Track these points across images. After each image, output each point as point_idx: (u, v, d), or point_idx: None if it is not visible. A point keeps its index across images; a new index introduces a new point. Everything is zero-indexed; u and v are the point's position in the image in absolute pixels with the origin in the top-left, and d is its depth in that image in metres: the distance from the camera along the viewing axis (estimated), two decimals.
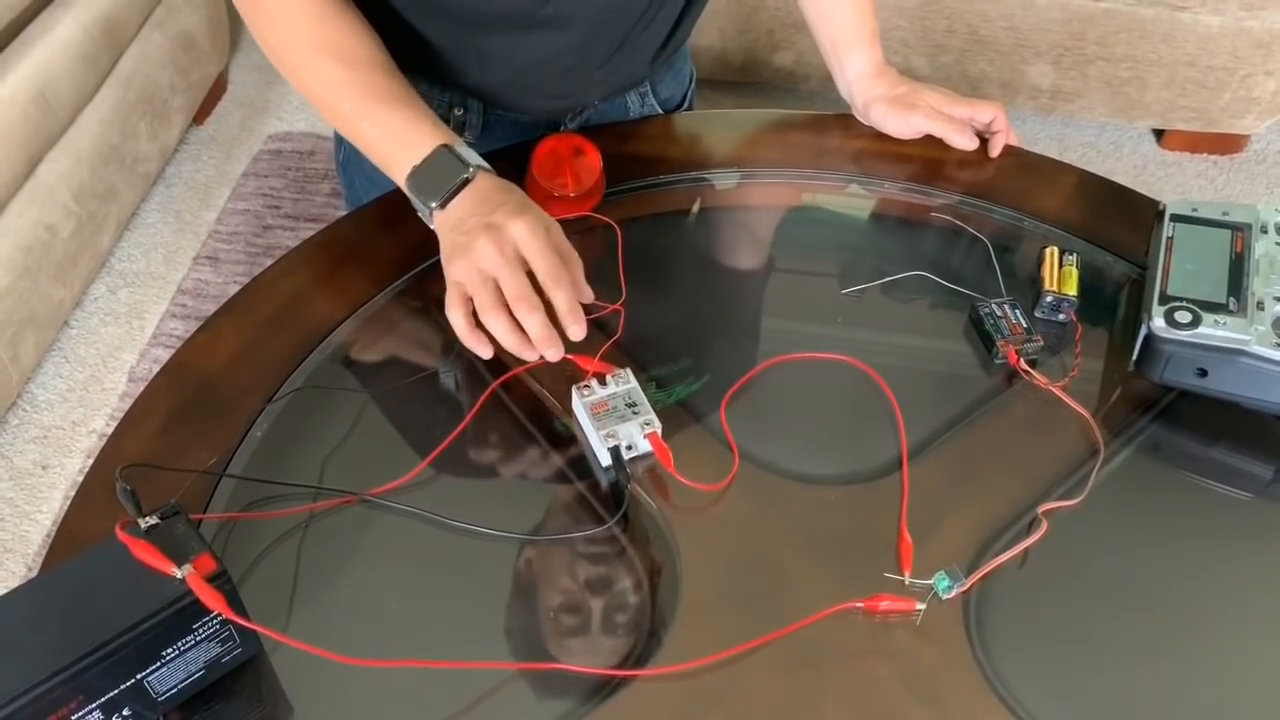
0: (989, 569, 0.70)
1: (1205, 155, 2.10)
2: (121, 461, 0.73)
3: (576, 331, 0.77)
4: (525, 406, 0.80)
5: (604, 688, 0.66)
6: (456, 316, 0.78)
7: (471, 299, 0.78)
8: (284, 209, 1.99)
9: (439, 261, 0.82)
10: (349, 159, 1.10)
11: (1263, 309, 0.76)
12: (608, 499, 0.74)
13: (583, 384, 0.77)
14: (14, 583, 1.49)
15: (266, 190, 2.03)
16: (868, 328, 0.86)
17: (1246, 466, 0.78)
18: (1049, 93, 2.01)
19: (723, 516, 0.74)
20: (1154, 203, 0.93)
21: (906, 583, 0.70)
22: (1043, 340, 0.83)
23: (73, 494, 0.75)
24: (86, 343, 1.78)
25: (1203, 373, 0.76)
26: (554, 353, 0.77)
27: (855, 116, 1.04)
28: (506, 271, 0.76)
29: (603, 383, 0.77)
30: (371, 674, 0.64)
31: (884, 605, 0.68)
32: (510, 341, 0.77)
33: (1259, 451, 0.78)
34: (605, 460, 0.75)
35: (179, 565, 0.59)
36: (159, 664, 0.60)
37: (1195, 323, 0.76)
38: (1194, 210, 0.85)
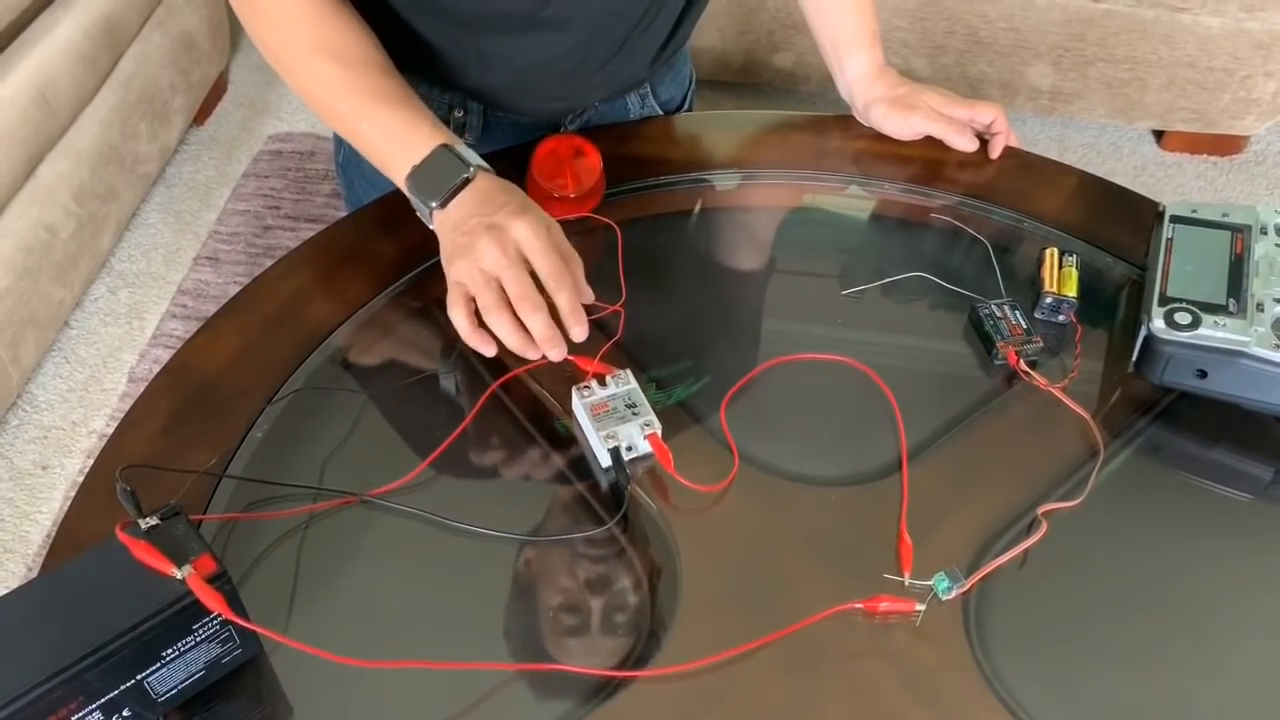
0: (989, 570, 0.70)
1: (1205, 156, 2.10)
2: (121, 462, 0.73)
3: (579, 332, 0.77)
4: (525, 407, 0.80)
5: (603, 688, 0.66)
6: (459, 316, 0.78)
7: (474, 299, 0.78)
8: (284, 210, 1.99)
9: (439, 262, 0.82)
10: (348, 160, 1.10)
11: (1262, 310, 0.76)
12: (607, 500, 0.74)
13: (583, 385, 0.77)
14: (14, 583, 1.49)
15: (267, 191, 2.03)
16: (868, 329, 0.86)
17: (1246, 468, 0.78)
18: (1049, 94, 2.01)
19: (722, 517, 0.74)
20: (1154, 204, 0.93)
21: (906, 584, 0.70)
22: (1042, 341, 0.83)
23: (73, 494, 0.75)
24: (87, 343, 1.79)
25: (1202, 374, 0.76)
26: (557, 353, 0.77)
27: (855, 118, 1.05)
28: (510, 272, 0.76)
29: (603, 384, 0.77)
30: (371, 675, 0.64)
31: (884, 606, 0.68)
32: (514, 341, 0.77)
33: (1259, 453, 0.78)
34: (605, 461, 0.75)
35: (179, 566, 0.59)
36: (159, 665, 0.60)
37: (1195, 324, 0.76)
38: (1194, 211, 0.85)
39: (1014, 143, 1.01)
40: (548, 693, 0.66)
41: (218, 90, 2.19)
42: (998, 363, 0.83)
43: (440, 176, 0.81)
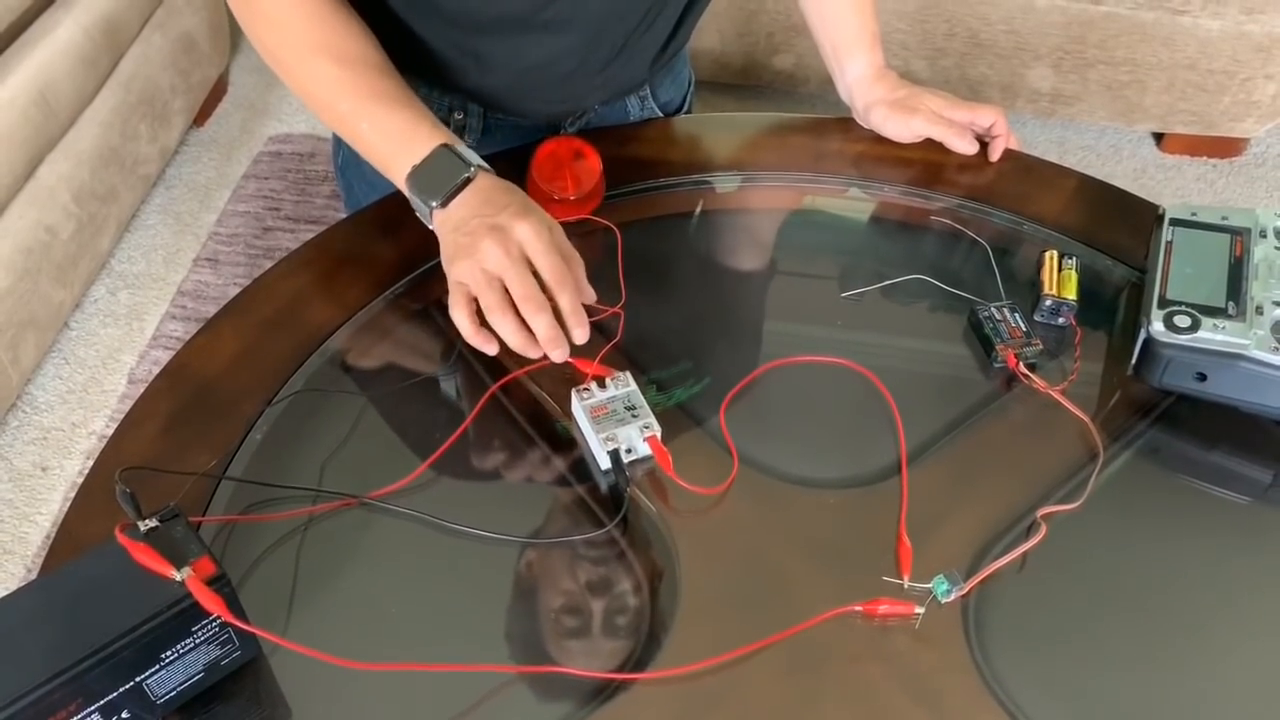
0: (988, 573, 0.70)
1: (1205, 159, 2.10)
2: (121, 463, 0.73)
3: (580, 334, 0.77)
4: (525, 409, 0.80)
5: (603, 691, 0.66)
6: (461, 317, 0.78)
7: (476, 299, 0.78)
8: (284, 211, 1.99)
9: (438, 264, 0.82)
10: (347, 162, 1.10)
11: (1262, 313, 0.76)
12: (607, 502, 0.74)
13: (582, 387, 0.77)
14: (13, 584, 1.49)
15: (266, 192, 2.03)
16: (867, 331, 0.86)
17: (1245, 470, 0.78)
18: (1049, 96, 2.01)
19: (722, 520, 0.74)
20: (1153, 207, 0.93)
21: (905, 586, 0.70)
22: (1042, 344, 0.83)
23: (72, 495, 0.75)
24: (86, 344, 1.79)
25: (1202, 377, 0.76)
26: (560, 353, 0.77)
27: (855, 120, 1.05)
28: (513, 272, 0.76)
29: (602, 386, 0.77)
30: (370, 677, 0.64)
31: (883, 609, 0.68)
32: (517, 341, 0.77)
33: (1258, 455, 0.78)
34: (605, 463, 0.75)
35: (178, 568, 0.59)
36: (158, 667, 0.60)
37: (1194, 327, 0.76)
38: (1193, 214, 0.85)
39: (1014, 145, 1.01)
40: (547, 695, 0.66)
41: (218, 92, 2.19)
42: (997, 365, 0.83)
43: (441, 176, 0.81)
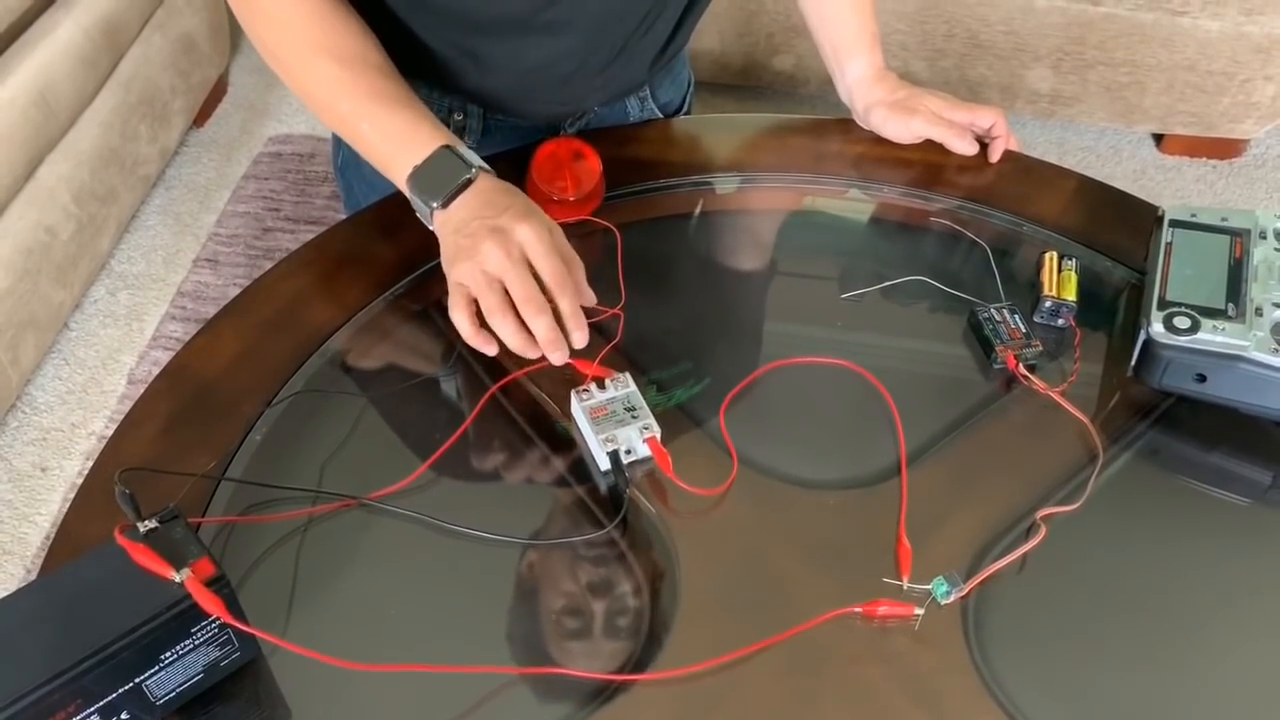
0: (987, 574, 0.70)
1: (1204, 160, 2.10)
2: (121, 464, 0.73)
3: (579, 338, 0.77)
4: (524, 410, 0.80)
5: (602, 692, 0.66)
6: (461, 318, 0.78)
7: (476, 300, 0.78)
8: (284, 212, 1.99)
9: (438, 265, 0.82)
10: (347, 163, 1.10)
11: (1261, 315, 0.76)
12: (606, 503, 0.74)
13: (582, 388, 0.77)
14: (13, 585, 1.49)
15: (266, 193, 2.03)
16: (867, 332, 0.86)
17: (1245, 472, 0.78)
18: (1048, 97, 2.01)
19: (722, 521, 0.74)
20: (1153, 208, 0.93)
21: (905, 588, 0.70)
22: (1042, 345, 0.83)
23: (72, 496, 0.75)
24: (86, 345, 1.78)
25: (1201, 378, 0.76)
26: (559, 355, 0.77)
27: (855, 121, 1.05)
28: (514, 275, 0.76)
29: (602, 387, 0.77)
30: (370, 678, 0.64)
31: (882, 610, 0.68)
32: (516, 343, 0.77)
33: (1257, 457, 0.78)
34: (604, 465, 0.75)
35: (178, 569, 0.59)
36: (157, 668, 0.60)
37: (1194, 328, 0.76)
38: (1193, 216, 0.85)
39: (1014, 146, 1.01)
40: (546, 696, 0.66)
41: (218, 92, 2.19)
42: (997, 366, 0.83)
43: (442, 177, 0.81)
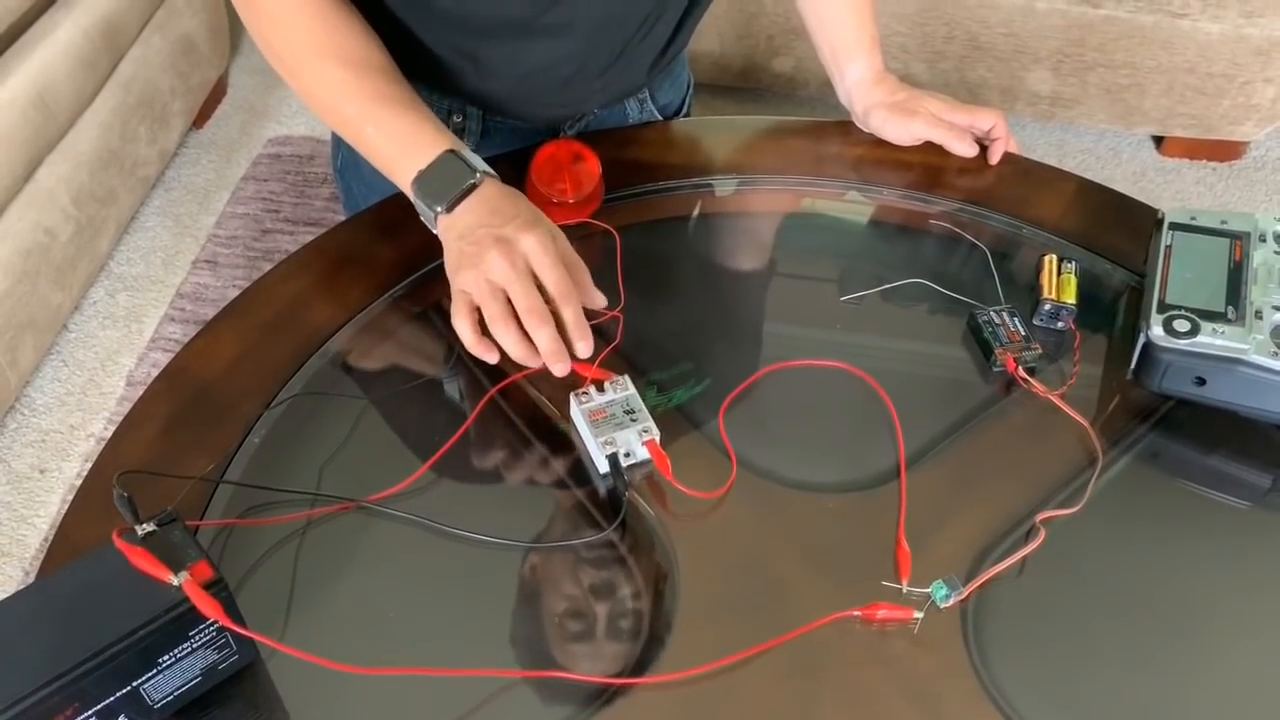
0: (987, 577, 0.70)
1: (1204, 162, 2.10)
2: (119, 466, 0.73)
3: (583, 348, 0.77)
4: (523, 413, 0.80)
5: (601, 695, 0.65)
6: (464, 325, 0.78)
7: (478, 308, 0.78)
8: (283, 213, 1.99)
9: (438, 267, 0.82)
10: (346, 164, 1.09)
11: (1261, 318, 0.76)
12: (605, 506, 0.74)
13: (581, 391, 0.77)
14: (11, 587, 1.49)
15: (266, 194, 2.03)
16: (866, 335, 0.86)
17: (1244, 475, 0.78)
18: (1048, 99, 2.01)
19: (721, 524, 0.74)
20: (1153, 211, 0.93)
21: (904, 591, 0.70)
22: (1041, 348, 0.83)
23: (70, 498, 0.75)
24: (85, 346, 1.78)
25: (1201, 381, 0.76)
26: (561, 367, 0.76)
27: (854, 123, 1.04)
28: (518, 285, 0.76)
29: (601, 390, 0.77)
30: (368, 681, 0.64)
31: (881, 614, 0.68)
32: (519, 352, 0.76)
33: (1257, 460, 0.78)
34: (603, 467, 0.75)
35: (176, 572, 0.59)
36: (155, 671, 0.60)
37: (1194, 331, 0.76)
38: (1193, 218, 0.85)
39: (1013, 148, 1.01)
40: (545, 699, 0.66)
41: (217, 93, 2.19)
42: (996, 369, 0.83)
43: (446, 182, 0.81)
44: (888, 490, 0.75)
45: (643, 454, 0.75)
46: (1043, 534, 0.72)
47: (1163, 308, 0.78)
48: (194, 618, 0.60)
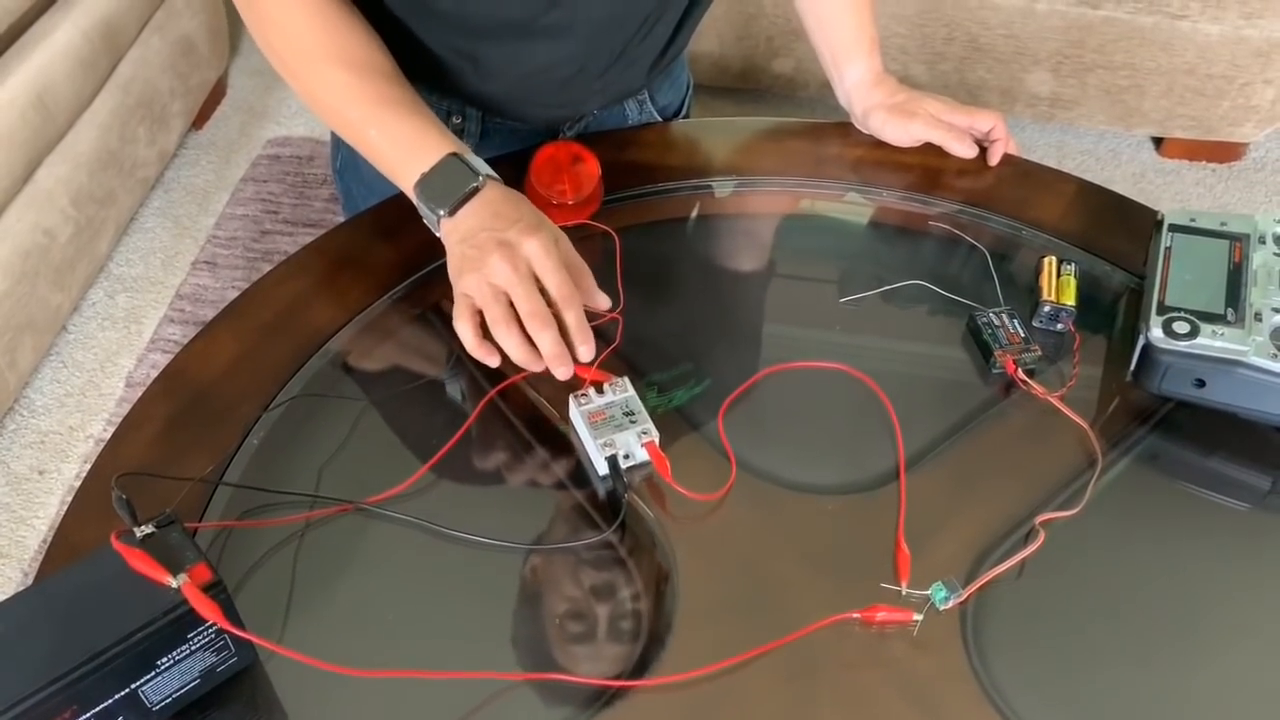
0: (986, 580, 0.70)
1: (1204, 163, 2.10)
2: (118, 468, 0.73)
3: (585, 352, 0.77)
4: (523, 415, 0.80)
5: (600, 698, 0.65)
6: (465, 328, 0.77)
7: (480, 311, 0.78)
8: (282, 214, 1.99)
9: (437, 269, 0.82)
10: (345, 165, 1.09)
11: (1260, 320, 0.76)
12: (605, 508, 0.74)
13: (580, 392, 0.77)
14: (10, 588, 1.49)
15: (265, 195, 2.03)
16: (866, 336, 0.86)
17: (1244, 477, 0.78)
18: (1048, 100, 2.02)
19: (720, 526, 0.74)
20: (1152, 212, 0.93)
21: (903, 593, 0.69)
22: (1040, 350, 0.83)
23: (69, 499, 0.75)
24: (84, 348, 1.78)
25: (1200, 383, 0.76)
26: (564, 371, 0.76)
27: (854, 124, 1.04)
28: (521, 290, 0.76)
29: (600, 391, 0.77)
30: (367, 684, 0.64)
31: (881, 616, 0.68)
32: (520, 356, 0.76)
33: (1257, 462, 0.78)
34: (602, 469, 0.75)
35: (174, 574, 0.59)
36: (153, 673, 0.60)
37: (1193, 333, 0.76)
38: (1192, 220, 0.85)
39: (1013, 150, 1.01)
40: (544, 702, 0.66)
41: (216, 94, 2.19)
42: (996, 371, 0.82)
43: (449, 185, 0.80)
44: (887, 492, 0.75)
45: (642, 456, 0.75)
46: (1042, 536, 0.72)
47: (1162, 309, 0.78)
48: (192, 620, 0.60)
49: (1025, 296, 0.88)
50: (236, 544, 0.72)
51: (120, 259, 1.92)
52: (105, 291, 1.87)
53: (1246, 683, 0.68)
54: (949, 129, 0.99)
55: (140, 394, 0.80)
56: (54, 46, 1.63)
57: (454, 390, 0.82)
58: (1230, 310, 0.77)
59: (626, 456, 0.75)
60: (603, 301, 0.81)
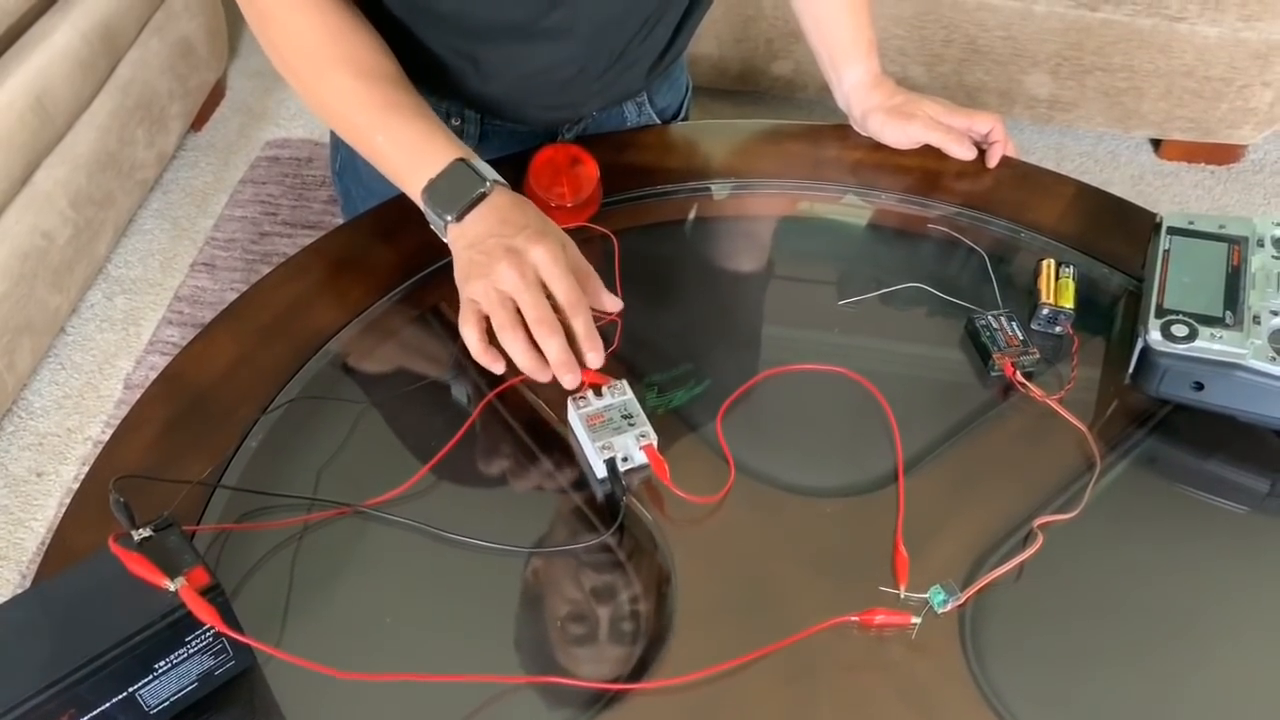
0: (984, 583, 0.70)
1: (1202, 165, 2.10)
2: (116, 470, 0.73)
3: (594, 359, 0.76)
4: (521, 418, 0.80)
5: (598, 700, 0.65)
6: (471, 334, 0.77)
7: (487, 317, 0.77)
8: (281, 216, 1.99)
9: (436, 271, 0.82)
10: (344, 167, 1.09)
11: (1259, 323, 0.76)
12: (603, 511, 0.74)
13: (578, 395, 0.77)
14: (8, 591, 1.49)
15: (264, 197, 2.03)
16: (864, 339, 0.86)
17: (1243, 480, 0.78)
18: (1046, 103, 2.02)
19: (718, 529, 0.74)
20: (1151, 215, 0.93)
21: (902, 596, 0.69)
22: (1039, 353, 0.83)
23: (68, 501, 0.75)
24: (83, 350, 1.78)
25: (1199, 386, 0.76)
26: (571, 379, 0.76)
27: (853, 127, 1.04)
28: (528, 296, 0.75)
29: (599, 394, 0.77)
30: (365, 688, 0.64)
31: (879, 619, 0.68)
32: (526, 362, 0.76)
33: (1255, 465, 0.78)
34: (601, 472, 0.75)
35: (172, 578, 0.59)
36: (151, 677, 0.60)
37: (1192, 336, 0.76)
38: (1191, 223, 0.85)
39: (1011, 152, 1.01)
40: (543, 705, 0.66)
41: (215, 96, 2.19)
42: (994, 374, 0.82)
43: (456, 190, 0.80)
44: (886, 495, 0.75)
45: (640, 459, 0.75)
46: (1040, 539, 0.72)
47: (1161, 312, 0.78)
48: (190, 623, 0.60)
49: (1024, 299, 0.88)
50: (235, 547, 0.72)
51: (119, 261, 1.92)
52: (104, 293, 1.87)
53: (1245, 685, 0.68)
54: (947, 131, 0.99)
55: (139, 396, 0.80)
56: (53, 48, 1.63)
57: (452, 393, 0.82)
58: (1229, 313, 0.77)
59: (625, 459, 0.75)
60: (611, 303, 0.80)
